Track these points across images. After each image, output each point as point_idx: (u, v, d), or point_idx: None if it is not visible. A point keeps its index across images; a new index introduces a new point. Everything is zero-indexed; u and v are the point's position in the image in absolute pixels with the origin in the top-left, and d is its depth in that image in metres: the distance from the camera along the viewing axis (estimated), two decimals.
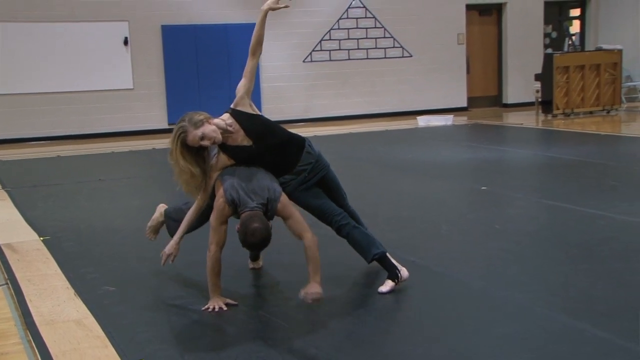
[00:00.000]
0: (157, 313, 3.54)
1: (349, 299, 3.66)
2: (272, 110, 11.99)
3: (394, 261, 3.73)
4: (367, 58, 13.27)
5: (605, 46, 12.84)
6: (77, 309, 3.59)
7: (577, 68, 12.01)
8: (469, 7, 13.91)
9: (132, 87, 11.90)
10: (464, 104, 14.01)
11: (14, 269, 4.34)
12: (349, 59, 13.16)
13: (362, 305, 3.54)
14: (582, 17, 15.00)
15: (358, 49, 13.20)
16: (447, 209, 5.79)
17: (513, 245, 4.50)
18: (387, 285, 3.64)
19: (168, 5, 11.98)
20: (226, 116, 3.58)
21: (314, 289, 3.27)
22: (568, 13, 15.08)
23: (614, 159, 7.93)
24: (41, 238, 5.07)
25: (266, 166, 3.59)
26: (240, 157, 3.57)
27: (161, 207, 4.16)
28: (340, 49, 13.10)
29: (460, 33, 13.84)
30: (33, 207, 6.26)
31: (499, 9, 14.28)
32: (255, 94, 3.87)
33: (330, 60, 13.03)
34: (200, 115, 3.46)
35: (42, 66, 11.31)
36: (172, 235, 3.90)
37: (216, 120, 3.51)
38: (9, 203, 6.50)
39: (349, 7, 13.06)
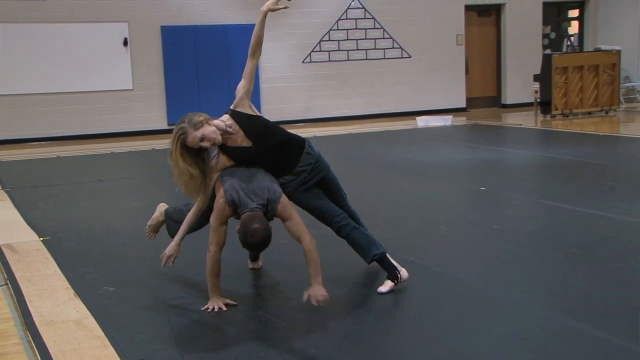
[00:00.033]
0: (156, 313, 3.54)
1: (348, 299, 3.66)
2: (272, 110, 12.00)
3: (393, 262, 3.73)
4: (367, 59, 13.29)
5: (603, 47, 12.86)
6: (77, 309, 3.59)
7: (575, 69, 12.03)
8: (468, 8, 13.93)
9: (131, 88, 11.91)
10: (463, 104, 14.03)
11: (13, 269, 4.35)
12: (348, 60, 13.17)
13: (361, 305, 3.55)
14: (580, 18, 15.02)
15: (357, 49, 13.22)
16: (446, 209, 5.80)
17: (512, 246, 4.51)
18: (387, 286, 3.65)
19: (168, 6, 11.98)
20: (226, 117, 3.58)
21: (320, 291, 3.28)
22: (567, 14, 15.10)
23: (612, 159, 7.94)
24: (41, 238, 5.08)
25: (266, 167, 3.59)
26: (240, 158, 3.58)
27: (162, 207, 4.16)
28: (339, 50, 13.11)
29: (459, 34, 13.85)
30: (33, 207, 6.26)
31: (497, 9, 14.30)
32: (254, 95, 3.87)
33: (330, 60, 13.04)
34: (199, 117, 3.47)
35: (42, 67, 11.31)
36: (171, 236, 3.91)
37: (216, 122, 3.52)
38: (9, 203, 6.50)
39: (348, 8, 13.07)
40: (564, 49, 13.61)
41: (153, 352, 3.03)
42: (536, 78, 12.44)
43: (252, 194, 3.42)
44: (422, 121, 12.26)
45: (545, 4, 14.42)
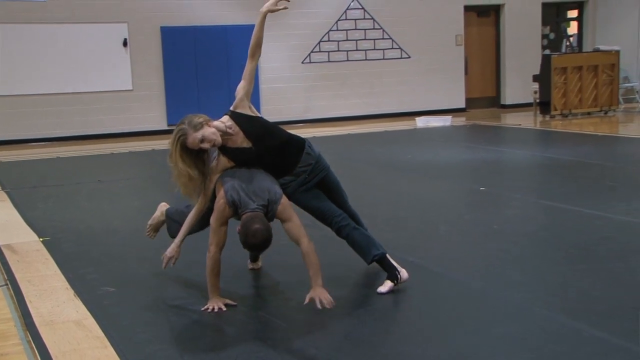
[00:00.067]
0: (156, 313, 3.54)
1: (348, 299, 3.66)
2: (271, 111, 12.01)
3: (393, 262, 3.74)
4: (366, 59, 13.29)
5: (602, 47, 12.87)
6: (76, 310, 3.60)
7: (574, 69, 12.04)
8: (467, 9, 13.93)
9: (131, 89, 11.91)
10: (463, 104, 14.03)
11: (13, 269, 4.35)
12: (348, 60, 13.17)
13: (361, 305, 3.55)
14: (579, 19, 15.03)
15: (357, 50, 13.22)
16: (445, 209, 5.80)
17: (511, 246, 4.51)
18: (386, 286, 3.66)
19: (167, 7, 11.99)
20: (225, 118, 3.58)
21: (323, 294, 3.30)
22: (566, 14, 15.11)
23: (611, 159, 7.95)
24: (41, 239, 5.08)
25: (266, 168, 3.60)
26: (240, 159, 3.58)
27: (162, 206, 4.17)
28: (339, 50, 13.11)
29: (458, 34, 13.86)
30: (33, 208, 6.27)
31: (497, 10, 14.31)
32: (254, 95, 3.88)
33: (329, 61, 13.04)
34: (199, 118, 3.47)
35: (42, 67, 11.31)
36: (172, 236, 3.91)
37: (216, 123, 3.52)
38: (8, 204, 6.51)
39: (347, 9, 13.07)
40: (563, 50, 13.62)
41: (153, 353, 3.03)
42: (535, 78, 12.45)
43: (253, 194, 3.42)
44: (421, 121, 12.27)
45: (544, 5, 14.43)
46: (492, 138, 10.50)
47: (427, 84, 13.65)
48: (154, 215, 4.18)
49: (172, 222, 3.98)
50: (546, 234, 4.87)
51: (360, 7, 13.14)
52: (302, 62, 12.89)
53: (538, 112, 12.43)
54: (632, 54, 13.68)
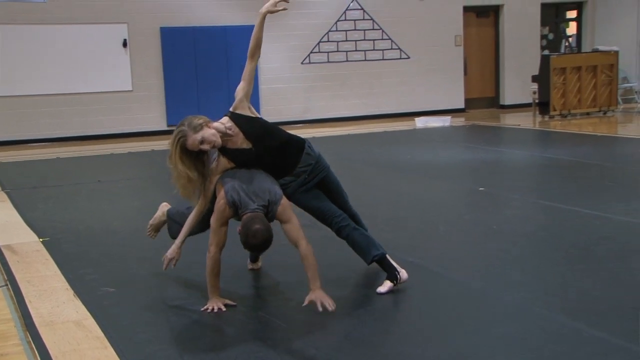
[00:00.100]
0: (156, 314, 3.55)
1: (348, 299, 3.67)
2: (271, 111, 12.02)
3: (393, 263, 3.74)
4: (365, 60, 13.30)
5: (601, 48, 12.88)
6: (76, 310, 3.60)
7: (573, 69, 12.05)
8: (467, 9, 13.94)
9: (131, 89, 11.91)
10: (462, 105, 14.04)
11: (13, 270, 4.35)
12: (347, 61, 13.18)
13: (361, 305, 3.56)
14: (578, 19, 15.04)
15: (356, 50, 13.23)
16: (445, 209, 5.81)
17: (511, 246, 4.52)
18: (386, 286, 3.66)
19: (167, 8, 11.99)
20: (225, 119, 3.59)
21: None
22: (565, 15, 15.12)
23: (610, 159, 7.96)
24: (41, 239, 5.08)
25: (266, 168, 3.60)
26: (240, 160, 3.58)
27: (164, 207, 4.17)
28: (338, 51, 13.12)
29: (457, 35, 13.87)
30: (32, 208, 6.27)
31: (496, 10, 14.32)
32: (253, 96, 3.88)
33: (329, 61, 13.05)
34: (199, 119, 3.47)
35: (42, 68, 11.32)
36: (172, 237, 3.91)
37: (215, 124, 3.52)
38: (8, 204, 6.51)
39: (347, 9, 13.08)
40: (562, 50, 13.64)
41: (153, 353, 3.04)
42: (534, 79, 12.46)
43: (253, 195, 3.42)
44: (421, 122, 12.27)
45: (543, 5, 14.45)
46: (492, 138, 10.51)
47: (427, 85, 13.66)
48: (155, 215, 4.19)
49: (173, 223, 3.98)
50: (545, 234, 4.87)
51: (359, 7, 13.15)
52: (302, 63, 12.90)
53: (537, 112, 12.44)
54: (630, 55, 13.69)
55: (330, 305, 3.28)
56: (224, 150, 3.57)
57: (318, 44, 12.96)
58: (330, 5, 12.97)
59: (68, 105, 11.57)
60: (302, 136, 3.83)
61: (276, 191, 3.48)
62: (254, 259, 4.17)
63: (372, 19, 13.24)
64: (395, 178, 7.32)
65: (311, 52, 12.93)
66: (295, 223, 3.45)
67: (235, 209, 3.42)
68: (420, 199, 6.22)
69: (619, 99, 13.04)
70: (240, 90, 3.58)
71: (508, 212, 5.53)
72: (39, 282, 4.09)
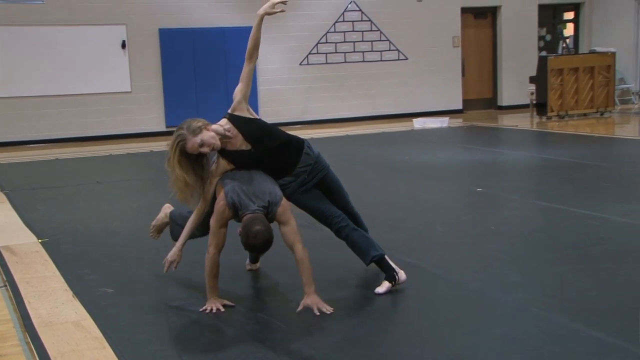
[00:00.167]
0: (155, 314, 3.55)
1: (347, 300, 3.67)
2: (269, 113, 12.02)
3: (392, 264, 3.75)
4: (363, 61, 13.31)
5: (598, 49, 12.91)
6: (75, 311, 3.60)
7: (571, 70, 12.07)
8: (464, 10, 13.96)
9: (129, 90, 11.92)
10: (460, 106, 14.06)
11: (12, 271, 4.35)
12: (345, 62, 13.19)
13: (359, 306, 3.57)
14: (576, 20, 15.07)
15: (354, 51, 13.24)
16: (443, 210, 5.82)
17: (509, 247, 4.53)
18: (384, 286, 3.67)
19: (166, 9, 11.99)
20: (224, 122, 3.59)
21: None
22: (562, 16, 15.15)
23: (607, 160, 7.98)
24: (39, 240, 5.09)
25: (265, 169, 3.61)
26: (239, 161, 3.59)
27: (166, 208, 4.17)
28: (336, 52, 13.13)
29: (455, 36, 13.89)
30: (31, 209, 6.27)
31: (493, 12, 14.34)
32: (252, 97, 3.89)
33: (327, 63, 13.06)
34: (198, 122, 3.47)
35: (41, 69, 11.31)
36: (174, 239, 3.92)
37: (214, 127, 3.53)
38: (7, 205, 6.51)
39: (345, 11, 13.10)
40: (560, 51, 13.66)
41: (152, 353, 3.04)
42: (532, 80, 12.48)
43: (253, 196, 3.43)
44: (418, 123, 12.29)
45: (540, 6, 14.47)
46: (489, 139, 10.53)
47: (425, 86, 13.68)
48: (157, 217, 4.19)
49: (175, 225, 3.99)
50: (543, 235, 4.89)
51: (357, 9, 13.17)
52: (300, 64, 12.91)
53: (535, 113, 12.46)
54: (628, 56, 13.72)
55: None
56: (223, 152, 3.58)
57: (316, 45, 12.98)
58: (328, 6, 12.98)
59: (67, 106, 11.57)
60: (301, 137, 3.84)
61: (276, 192, 3.49)
62: (254, 260, 4.18)
63: (370, 20, 13.26)
64: (393, 179, 7.33)
65: (309, 53, 12.94)
66: (293, 226, 3.46)
67: (235, 211, 3.43)
68: (418, 200, 6.23)
69: (616, 100, 13.07)
70: (239, 91, 3.59)
71: (506, 213, 5.54)
72: (38, 282, 4.10)
